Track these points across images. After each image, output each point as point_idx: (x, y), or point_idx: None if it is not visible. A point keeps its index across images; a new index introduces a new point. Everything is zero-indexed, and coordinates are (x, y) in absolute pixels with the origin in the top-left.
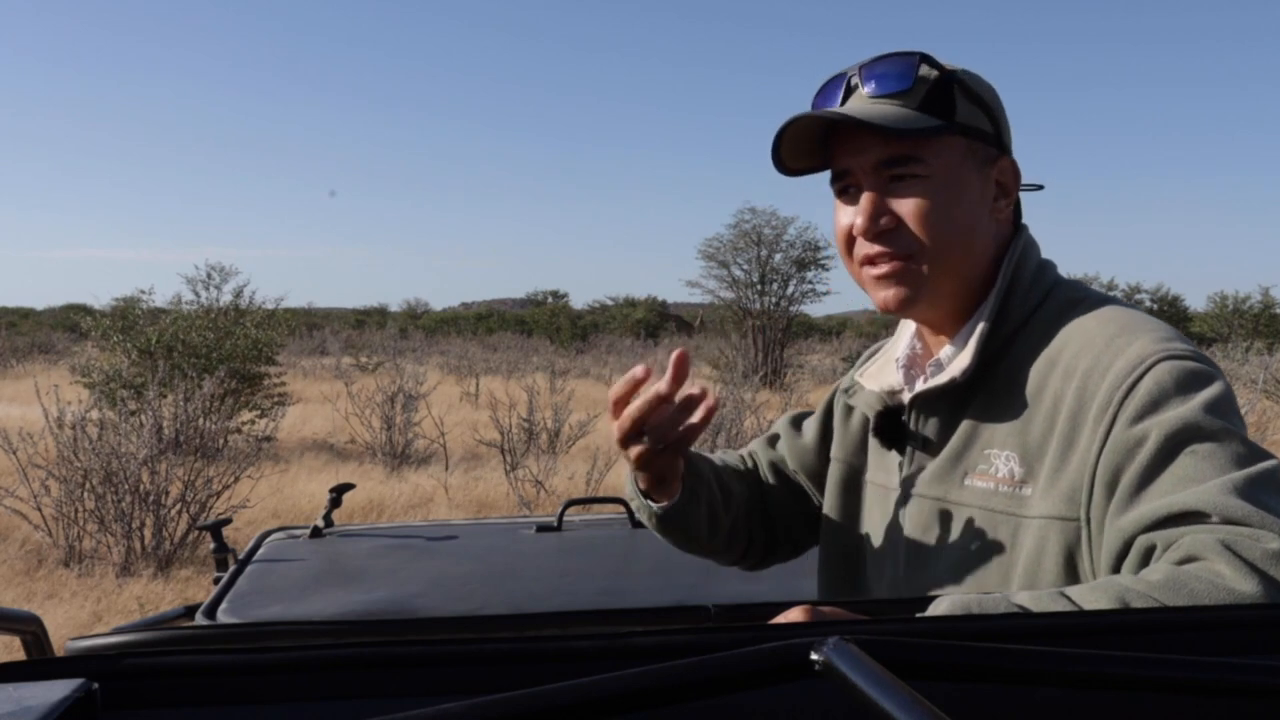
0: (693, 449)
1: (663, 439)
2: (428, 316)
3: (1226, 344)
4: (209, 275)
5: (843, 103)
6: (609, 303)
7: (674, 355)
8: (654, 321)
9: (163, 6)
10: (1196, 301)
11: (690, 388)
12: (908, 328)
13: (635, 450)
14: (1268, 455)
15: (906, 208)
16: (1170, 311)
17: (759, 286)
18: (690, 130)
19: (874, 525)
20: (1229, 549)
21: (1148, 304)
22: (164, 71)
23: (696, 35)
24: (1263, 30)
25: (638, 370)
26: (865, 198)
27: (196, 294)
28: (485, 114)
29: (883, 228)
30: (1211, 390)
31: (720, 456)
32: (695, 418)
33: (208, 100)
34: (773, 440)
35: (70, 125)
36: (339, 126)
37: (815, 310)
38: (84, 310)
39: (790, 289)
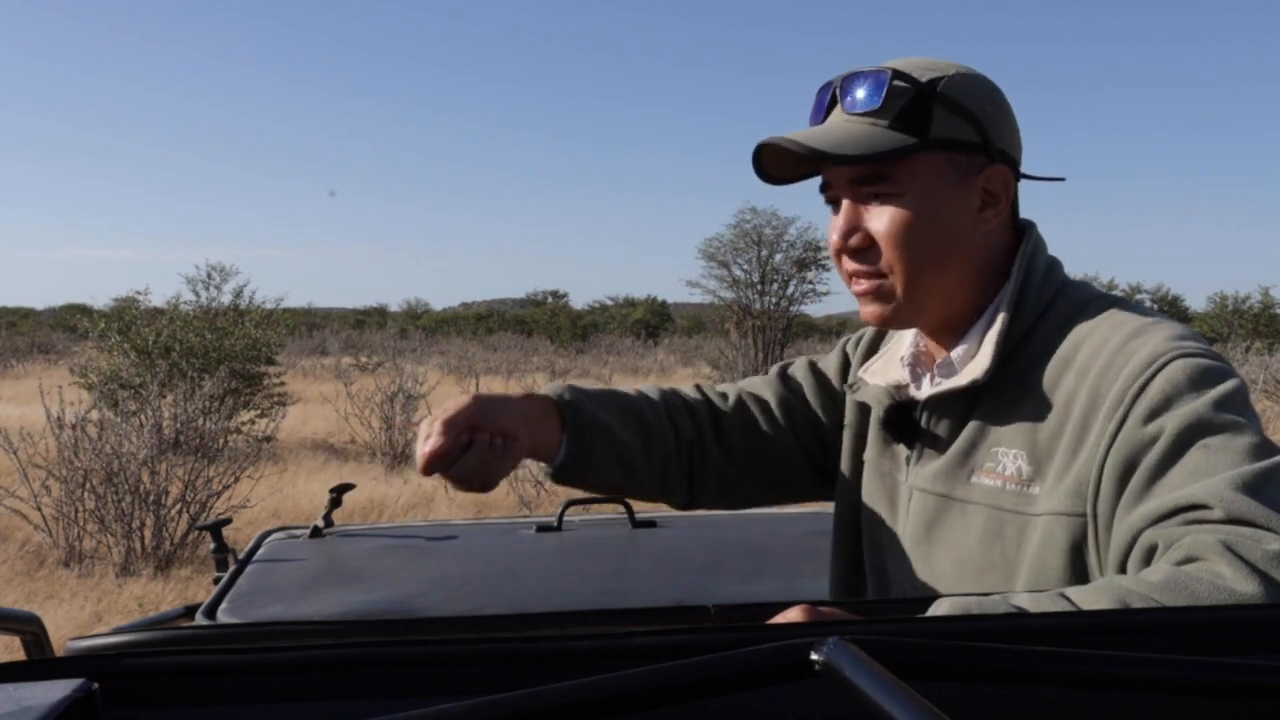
0: (589, 388)
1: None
2: (428, 316)
3: (1226, 344)
4: (209, 275)
5: (826, 115)
6: (609, 303)
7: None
8: (654, 322)
9: (162, 6)
10: (1196, 301)
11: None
12: None
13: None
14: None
15: (878, 226)
16: (1170, 312)
17: (759, 286)
18: (690, 130)
19: (879, 519)
20: (1230, 549)
21: (1148, 304)
22: (164, 71)
23: (696, 35)
24: (1263, 30)
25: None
26: (840, 214)
27: (196, 294)
28: (485, 114)
29: (854, 245)
30: (1225, 386)
31: (653, 391)
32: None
33: (208, 100)
34: (785, 377)
35: (70, 125)
36: (339, 126)
37: (815, 310)
38: (82, 310)
39: (790, 289)
